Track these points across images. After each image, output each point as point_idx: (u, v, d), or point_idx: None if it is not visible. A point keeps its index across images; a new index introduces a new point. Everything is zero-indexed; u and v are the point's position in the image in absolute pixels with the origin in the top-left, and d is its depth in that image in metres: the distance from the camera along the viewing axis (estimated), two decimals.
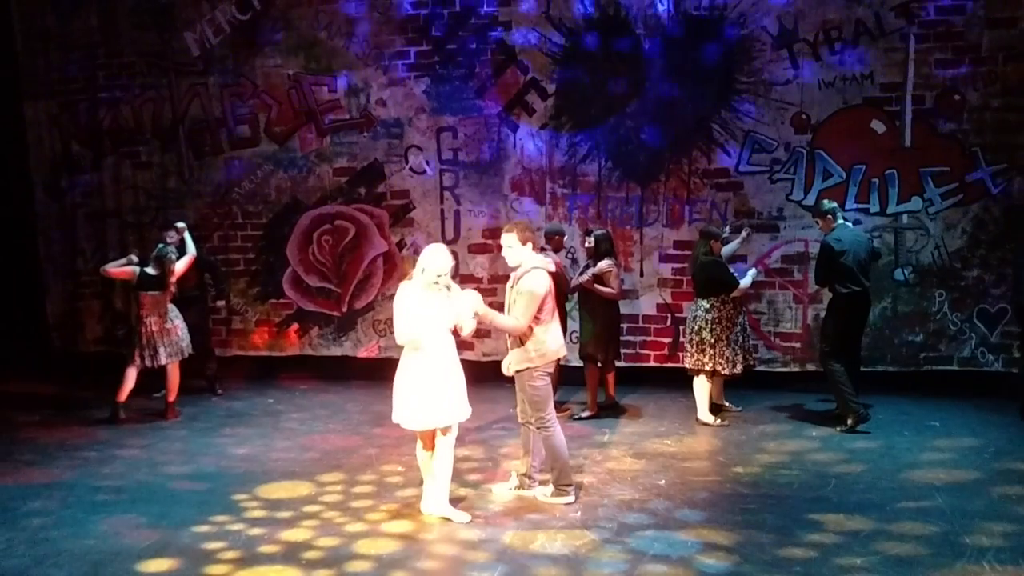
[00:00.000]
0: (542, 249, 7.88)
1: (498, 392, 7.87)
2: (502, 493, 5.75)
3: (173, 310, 7.91)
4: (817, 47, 8.32)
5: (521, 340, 5.42)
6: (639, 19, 8.66)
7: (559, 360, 7.95)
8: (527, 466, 5.75)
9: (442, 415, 5.23)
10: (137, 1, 9.70)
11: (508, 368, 5.57)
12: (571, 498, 5.57)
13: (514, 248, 5.47)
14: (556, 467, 5.57)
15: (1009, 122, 8.04)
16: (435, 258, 5.15)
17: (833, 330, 7.26)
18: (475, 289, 9.26)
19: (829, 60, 8.31)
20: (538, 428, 5.56)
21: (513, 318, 5.38)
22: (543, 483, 5.73)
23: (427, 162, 9.33)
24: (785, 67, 8.41)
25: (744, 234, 8.31)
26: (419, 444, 5.40)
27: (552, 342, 5.52)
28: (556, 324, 5.60)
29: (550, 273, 7.57)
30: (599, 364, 7.76)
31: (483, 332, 8.45)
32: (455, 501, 5.59)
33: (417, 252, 8.43)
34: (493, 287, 8.97)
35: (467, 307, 5.18)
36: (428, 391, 5.16)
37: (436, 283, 5.14)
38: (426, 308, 5.13)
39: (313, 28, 9.36)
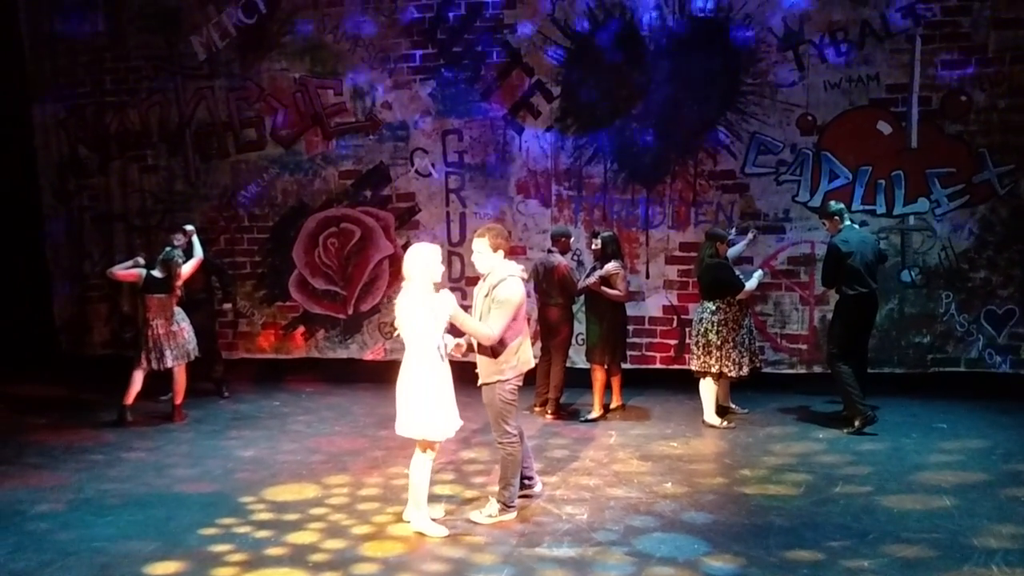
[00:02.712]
0: (549, 251, 7.92)
1: None
2: (482, 520, 5.43)
3: (179, 313, 7.92)
4: (823, 48, 8.31)
5: (493, 351, 5.22)
6: (644, 21, 8.66)
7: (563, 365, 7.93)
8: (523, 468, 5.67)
9: (457, 418, 5.24)
10: (143, 5, 9.75)
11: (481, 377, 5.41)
12: (514, 514, 5.41)
13: (484, 254, 5.27)
14: (511, 484, 5.39)
15: (1016, 123, 8.03)
16: (433, 259, 5.10)
17: (840, 332, 7.24)
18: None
19: (835, 61, 8.30)
20: (501, 442, 5.34)
21: (487, 326, 5.17)
22: (534, 490, 5.68)
23: (432, 164, 9.34)
24: (791, 68, 8.40)
25: (750, 236, 8.31)
26: (430, 455, 5.21)
27: (524, 353, 5.36)
28: (527, 334, 5.46)
29: (558, 275, 7.66)
30: (606, 366, 7.76)
31: None
32: (462, 502, 5.60)
33: None
34: None
35: (448, 307, 5.04)
36: (449, 398, 5.16)
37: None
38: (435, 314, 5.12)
39: (319, 31, 9.39)
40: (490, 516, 5.37)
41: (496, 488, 5.49)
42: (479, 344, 5.29)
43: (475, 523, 5.34)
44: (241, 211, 9.80)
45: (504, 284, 5.21)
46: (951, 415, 7.57)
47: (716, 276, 7.36)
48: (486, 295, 5.27)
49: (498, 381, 5.26)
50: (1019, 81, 7.98)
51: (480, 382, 5.32)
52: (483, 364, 5.30)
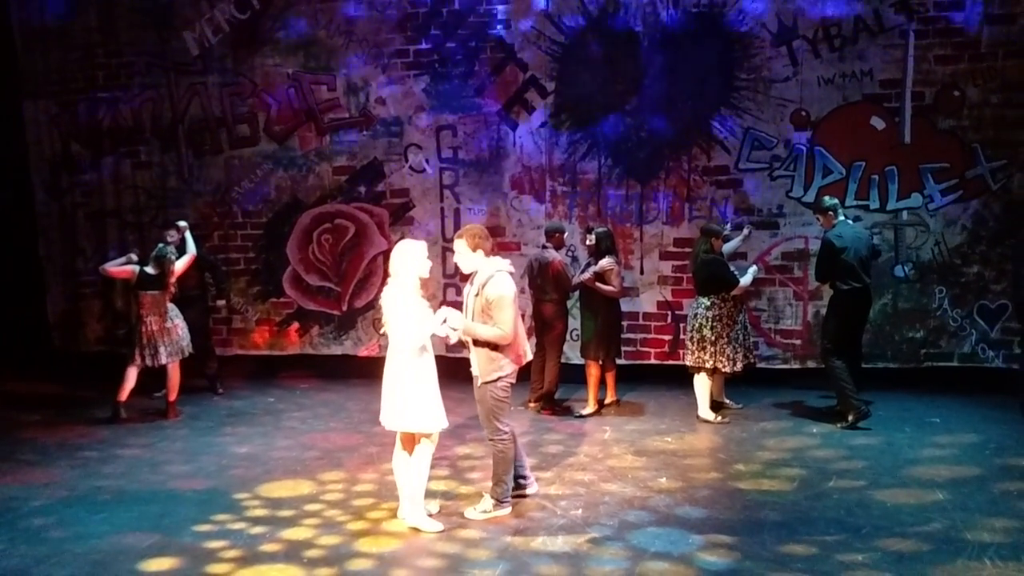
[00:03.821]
0: (543, 247, 7.92)
1: None
2: (475, 516, 5.42)
3: (173, 309, 7.91)
4: (816, 44, 8.32)
5: (495, 347, 5.21)
6: (638, 16, 8.66)
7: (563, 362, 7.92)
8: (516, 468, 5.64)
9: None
10: (136, 1, 9.70)
11: (477, 374, 5.36)
12: (508, 510, 5.42)
13: (463, 254, 5.27)
14: (503, 480, 5.39)
15: (1008, 118, 8.05)
16: (420, 255, 5.14)
17: (834, 327, 7.26)
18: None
19: (829, 57, 8.31)
20: (492, 439, 5.35)
21: (497, 328, 5.16)
22: (528, 490, 5.67)
23: (427, 160, 9.33)
24: (784, 64, 8.40)
25: (745, 232, 8.31)
26: (429, 449, 5.23)
27: (520, 348, 5.37)
28: (522, 329, 5.46)
29: (553, 271, 7.65)
30: (600, 361, 7.76)
31: None
32: (457, 497, 5.61)
33: None
34: None
35: (448, 324, 5.08)
36: (437, 391, 5.18)
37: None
38: (423, 310, 5.13)
39: (312, 27, 9.36)
40: (484, 512, 5.37)
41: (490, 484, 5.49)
42: (474, 341, 5.27)
43: (469, 520, 5.34)
44: (235, 207, 9.78)
45: (493, 281, 5.20)
46: (944, 410, 7.60)
47: (711, 272, 7.37)
48: (476, 294, 5.26)
49: (498, 378, 5.25)
50: (1012, 76, 7.99)
51: (481, 380, 5.29)
52: (482, 360, 5.27)
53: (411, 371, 5.09)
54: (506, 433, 5.36)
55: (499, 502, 5.40)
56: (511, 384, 5.36)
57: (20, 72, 10.05)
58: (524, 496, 5.68)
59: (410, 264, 5.11)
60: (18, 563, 4.87)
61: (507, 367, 5.27)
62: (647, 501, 5.61)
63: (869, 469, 6.13)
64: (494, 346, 5.21)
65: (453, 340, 5.28)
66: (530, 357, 5.56)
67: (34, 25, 9.97)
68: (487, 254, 5.31)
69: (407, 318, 5.06)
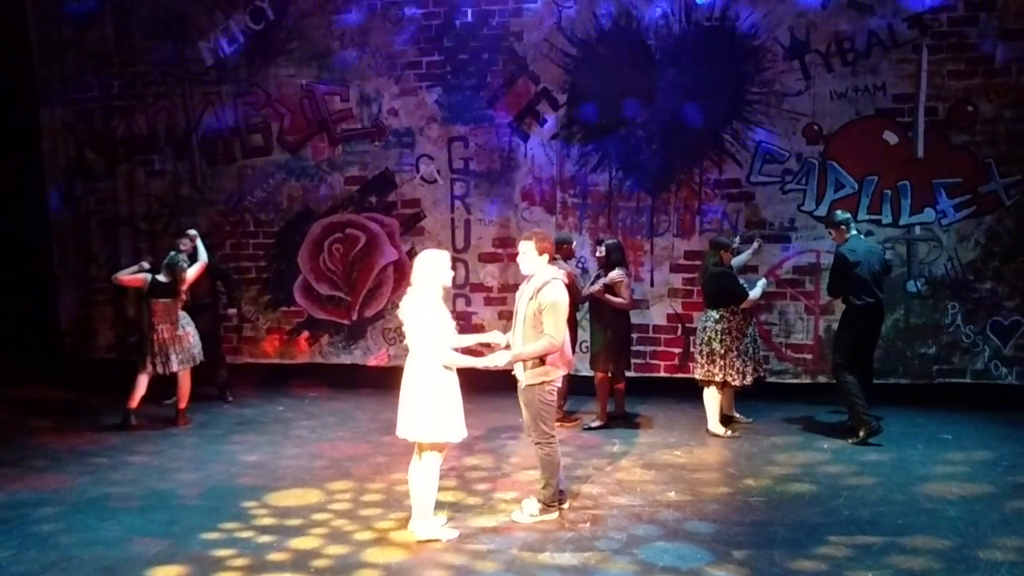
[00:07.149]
0: (552, 259, 7.91)
1: (507, 402, 7.82)
2: (523, 519, 5.48)
3: (185, 317, 7.94)
4: (829, 57, 8.32)
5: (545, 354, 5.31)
6: (651, 29, 8.68)
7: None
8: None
9: (463, 424, 5.23)
10: (152, 11, 9.79)
11: (521, 378, 5.44)
12: (556, 514, 5.49)
13: (528, 256, 5.42)
14: (551, 484, 5.47)
15: (1022, 134, 8.01)
16: (443, 265, 5.16)
17: (846, 342, 7.22)
18: (483, 298, 9.30)
19: (841, 71, 8.30)
20: (539, 442, 5.43)
21: (545, 338, 5.23)
22: (558, 502, 5.61)
23: (438, 171, 9.35)
24: (797, 78, 8.40)
25: (755, 245, 8.29)
26: (438, 459, 5.18)
27: (567, 353, 5.49)
28: (567, 335, 5.55)
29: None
30: (609, 374, 7.74)
31: None
32: (465, 509, 5.59)
33: None
34: (503, 296, 9.01)
35: (500, 363, 5.19)
36: (458, 402, 5.16)
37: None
38: (446, 321, 5.14)
39: (326, 38, 9.42)
40: (532, 515, 5.44)
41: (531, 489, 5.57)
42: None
43: (516, 522, 5.40)
44: (247, 216, 9.83)
45: (548, 288, 5.29)
46: (956, 426, 7.54)
47: (720, 285, 7.35)
48: (530, 298, 5.33)
49: (543, 382, 5.32)
50: None
51: (525, 383, 5.35)
52: (529, 366, 5.33)
53: (428, 379, 5.07)
54: (552, 437, 5.44)
55: (547, 506, 5.46)
56: (557, 388, 5.46)
57: (37, 80, 10.14)
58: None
59: (433, 273, 5.12)
60: (27, 568, 4.88)
61: (553, 372, 5.35)
62: (656, 515, 5.59)
63: (880, 485, 6.09)
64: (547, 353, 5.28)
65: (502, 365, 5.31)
66: (574, 364, 5.59)
67: (51, 34, 10.07)
68: (550, 260, 5.47)
69: (430, 330, 5.04)
